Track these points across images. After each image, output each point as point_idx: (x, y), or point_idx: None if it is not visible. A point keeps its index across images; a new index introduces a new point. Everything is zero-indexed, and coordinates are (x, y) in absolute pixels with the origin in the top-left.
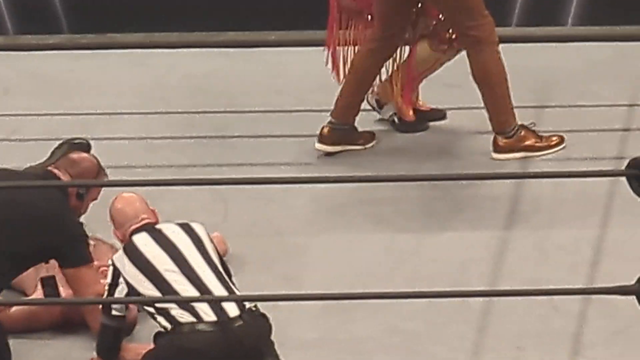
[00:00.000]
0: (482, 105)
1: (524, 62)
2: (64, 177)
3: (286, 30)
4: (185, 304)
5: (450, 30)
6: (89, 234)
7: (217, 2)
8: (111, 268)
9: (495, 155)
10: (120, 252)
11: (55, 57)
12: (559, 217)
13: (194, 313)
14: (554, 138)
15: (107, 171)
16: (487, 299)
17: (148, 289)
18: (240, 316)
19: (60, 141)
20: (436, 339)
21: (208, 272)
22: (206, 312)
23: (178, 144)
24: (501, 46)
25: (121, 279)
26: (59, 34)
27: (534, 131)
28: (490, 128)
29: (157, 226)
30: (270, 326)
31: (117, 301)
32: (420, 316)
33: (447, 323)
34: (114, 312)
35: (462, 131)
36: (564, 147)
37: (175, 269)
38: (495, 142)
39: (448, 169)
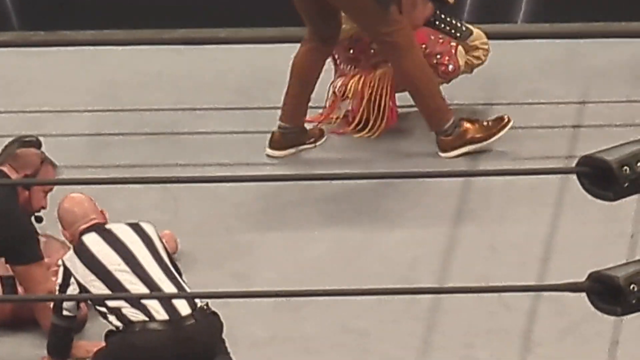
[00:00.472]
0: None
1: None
2: (10, 173)
3: (236, 28)
4: (137, 303)
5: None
6: (40, 231)
7: None
8: (62, 268)
9: (443, 155)
10: (71, 252)
11: (5, 54)
12: (508, 214)
13: (146, 312)
14: (498, 120)
15: (57, 169)
16: (436, 296)
17: (99, 288)
18: (192, 314)
19: (11, 139)
20: (386, 336)
21: (158, 271)
22: (158, 310)
23: (128, 142)
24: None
25: (72, 280)
26: (9, 31)
27: (475, 121)
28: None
29: (107, 226)
30: (221, 324)
31: (69, 298)
32: (370, 314)
33: (397, 321)
34: (65, 313)
35: (413, 129)
36: (510, 127)
37: (127, 268)
38: (438, 141)
39: (398, 167)
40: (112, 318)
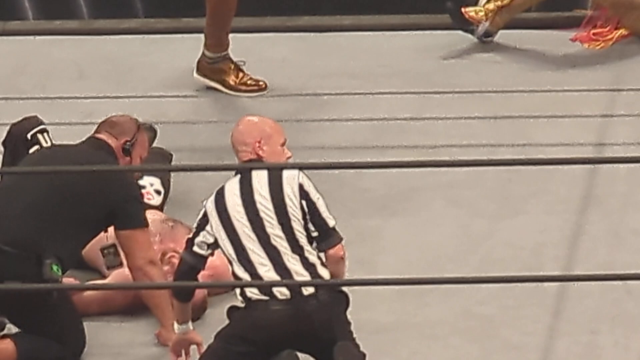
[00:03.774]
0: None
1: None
2: (109, 140)
3: (360, 15)
4: (260, 278)
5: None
6: (168, 215)
7: None
8: (202, 210)
9: (195, 73)
10: (213, 194)
11: (130, 41)
12: (633, 201)
13: (268, 289)
14: (259, 84)
15: (173, 156)
16: (561, 283)
17: (229, 250)
18: (314, 294)
19: None
20: (510, 322)
21: (284, 244)
22: (279, 288)
23: None
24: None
25: (209, 226)
26: (134, 18)
27: (238, 70)
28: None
29: (253, 174)
30: (347, 301)
31: (185, 285)
32: (495, 300)
33: (521, 307)
34: (195, 248)
35: (537, 115)
36: (261, 94)
37: (254, 237)
38: (199, 61)
39: (522, 153)
40: (235, 290)
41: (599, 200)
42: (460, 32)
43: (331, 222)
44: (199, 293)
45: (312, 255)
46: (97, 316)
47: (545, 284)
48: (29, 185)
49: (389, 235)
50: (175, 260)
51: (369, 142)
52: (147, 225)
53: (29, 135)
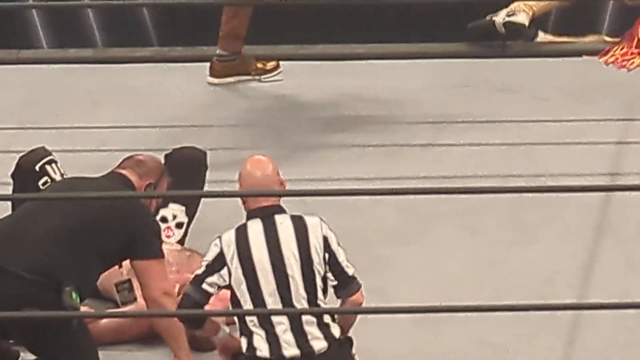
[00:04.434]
0: (572, 118)
1: (613, 75)
2: (132, 177)
3: (373, 44)
4: (271, 332)
5: None
6: (185, 245)
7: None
8: (216, 248)
9: (209, 79)
10: (232, 235)
11: (144, 70)
12: None
13: (276, 346)
14: (270, 67)
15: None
16: (575, 311)
17: (247, 302)
18: (324, 353)
19: (149, 153)
20: (524, 351)
21: (302, 292)
22: (289, 343)
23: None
24: None
25: (225, 270)
26: (148, 47)
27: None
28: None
29: (276, 217)
30: (352, 343)
31: (192, 315)
32: (509, 328)
33: (536, 335)
34: (204, 286)
35: (550, 144)
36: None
37: (278, 296)
38: (211, 65)
39: (536, 181)
40: (243, 340)
41: (613, 229)
42: (476, 59)
43: (350, 271)
44: (213, 322)
45: (325, 314)
46: (112, 345)
47: (560, 312)
48: (48, 213)
49: (403, 264)
50: None
51: (382, 170)
52: (162, 256)
53: (37, 167)
